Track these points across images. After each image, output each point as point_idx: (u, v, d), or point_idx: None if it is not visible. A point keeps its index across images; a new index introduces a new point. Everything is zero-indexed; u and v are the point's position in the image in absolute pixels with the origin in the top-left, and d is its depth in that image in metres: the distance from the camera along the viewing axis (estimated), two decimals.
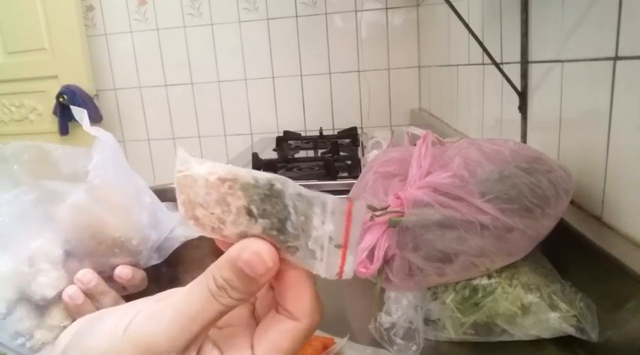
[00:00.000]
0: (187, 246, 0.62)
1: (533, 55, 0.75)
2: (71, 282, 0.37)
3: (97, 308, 0.37)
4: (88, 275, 0.37)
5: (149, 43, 2.09)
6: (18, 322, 0.34)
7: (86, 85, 2.05)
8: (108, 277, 0.39)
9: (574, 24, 0.61)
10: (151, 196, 0.43)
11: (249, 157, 1.34)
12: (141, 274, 0.41)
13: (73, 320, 0.36)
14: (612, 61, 0.52)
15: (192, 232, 0.42)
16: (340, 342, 0.50)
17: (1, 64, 2.12)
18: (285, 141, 1.74)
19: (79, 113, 0.39)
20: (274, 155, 1.53)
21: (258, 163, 1.29)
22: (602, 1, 0.54)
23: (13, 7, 2.04)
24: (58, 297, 0.36)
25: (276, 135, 1.86)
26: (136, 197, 0.41)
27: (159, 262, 0.43)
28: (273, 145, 1.73)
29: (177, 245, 0.43)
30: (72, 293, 0.36)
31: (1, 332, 0.33)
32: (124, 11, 2.07)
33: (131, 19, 2.08)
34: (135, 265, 0.40)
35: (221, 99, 2.12)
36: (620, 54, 0.50)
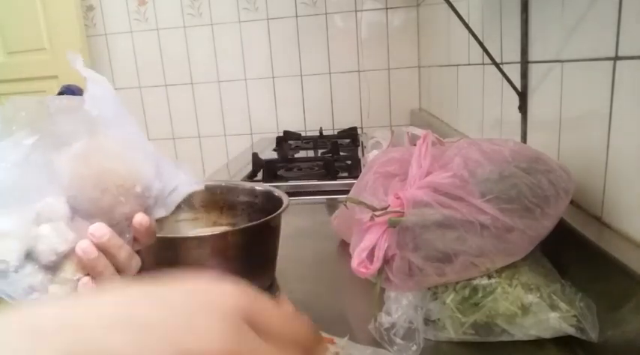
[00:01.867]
0: (188, 245, 0.62)
1: (533, 55, 0.75)
2: (81, 238, 0.36)
3: (113, 263, 0.37)
4: (101, 229, 0.36)
5: (149, 43, 2.09)
6: (30, 276, 0.33)
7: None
8: (119, 233, 0.38)
9: (574, 24, 0.61)
10: (151, 146, 0.41)
11: (249, 157, 1.34)
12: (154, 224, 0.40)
13: (87, 274, 0.36)
14: (612, 61, 0.52)
15: (195, 186, 0.41)
16: (340, 342, 0.50)
17: (1, 64, 2.12)
18: (285, 141, 1.74)
19: (73, 56, 0.38)
20: (274, 155, 1.53)
21: (258, 163, 1.29)
22: (602, 1, 0.54)
23: (13, 7, 2.04)
24: (70, 252, 0.35)
25: (276, 135, 1.86)
26: (136, 142, 0.39)
27: (166, 215, 0.41)
28: (273, 145, 1.73)
29: (181, 198, 0.41)
30: (85, 247, 0.35)
31: (14, 286, 0.33)
32: (124, 11, 2.07)
33: (131, 19, 2.08)
34: None
35: (221, 99, 2.12)
36: (620, 54, 0.50)
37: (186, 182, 0.41)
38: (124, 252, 0.37)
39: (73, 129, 0.37)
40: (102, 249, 0.36)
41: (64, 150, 0.36)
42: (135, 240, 0.39)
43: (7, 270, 0.32)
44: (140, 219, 0.38)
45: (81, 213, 0.36)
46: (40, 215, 0.34)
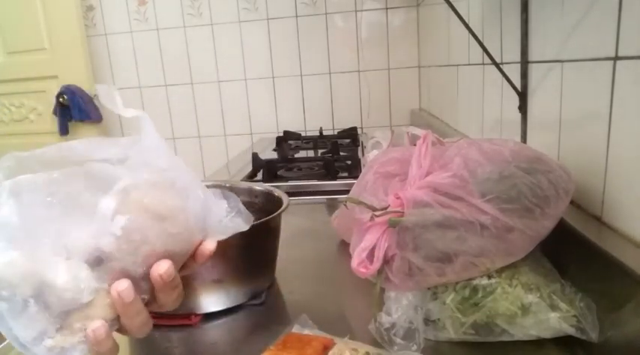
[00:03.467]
0: None
1: (533, 55, 0.75)
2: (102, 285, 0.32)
3: (160, 301, 0.34)
4: (170, 271, 0.32)
5: (149, 43, 2.09)
6: (35, 320, 0.30)
7: (86, 85, 2.05)
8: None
9: (574, 24, 0.61)
10: (203, 189, 0.37)
11: (249, 157, 1.34)
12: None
13: (109, 323, 0.32)
14: (612, 61, 0.52)
15: (240, 225, 0.38)
16: (340, 342, 0.50)
17: (1, 64, 2.13)
18: (285, 141, 1.74)
19: (109, 92, 0.33)
20: (274, 155, 1.53)
21: (258, 163, 1.29)
22: (602, 1, 0.54)
23: (13, 7, 2.05)
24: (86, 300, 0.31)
25: (276, 135, 1.86)
26: (191, 188, 0.36)
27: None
28: (273, 145, 1.73)
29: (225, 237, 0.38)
30: (123, 289, 0.31)
31: (26, 330, 0.30)
32: (124, 11, 2.07)
33: (131, 19, 2.08)
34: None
35: (221, 99, 2.12)
36: (620, 54, 0.50)
37: (230, 219, 0.38)
38: (142, 316, 0.34)
39: (116, 173, 0.33)
40: (120, 310, 0.32)
41: (112, 185, 0.32)
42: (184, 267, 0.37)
43: (22, 309, 0.30)
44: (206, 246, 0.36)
45: (112, 257, 0.32)
46: (67, 251, 0.31)
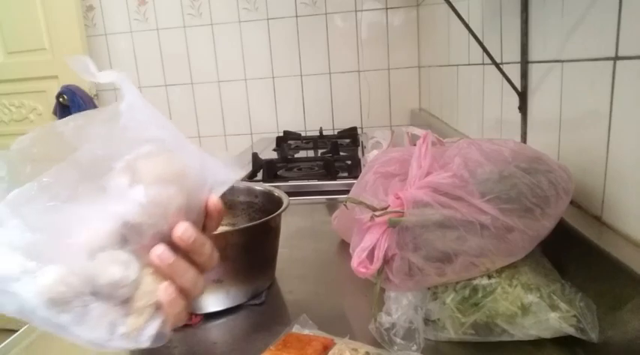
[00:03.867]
0: None
1: (533, 55, 0.75)
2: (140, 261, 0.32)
3: (197, 263, 0.34)
4: (188, 231, 0.33)
5: (149, 43, 2.09)
6: (100, 319, 0.30)
7: (86, 85, 2.05)
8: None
9: (574, 24, 0.61)
10: (193, 144, 0.37)
11: (249, 157, 1.34)
12: None
13: (168, 285, 0.32)
14: (612, 61, 0.52)
15: (234, 175, 0.38)
16: (340, 342, 0.50)
17: (1, 64, 2.13)
18: (285, 141, 1.74)
19: (79, 62, 0.33)
20: (274, 155, 1.53)
21: (258, 163, 1.29)
22: (602, 1, 0.54)
23: (13, 7, 2.05)
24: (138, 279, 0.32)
25: (276, 135, 1.86)
26: (180, 144, 0.36)
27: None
28: (273, 145, 1.73)
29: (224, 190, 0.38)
30: (161, 252, 0.32)
31: (95, 329, 0.30)
32: (124, 11, 2.07)
33: (131, 19, 2.08)
34: None
35: (221, 99, 2.12)
36: (620, 54, 0.50)
37: (226, 176, 0.38)
38: (208, 247, 0.35)
39: (106, 153, 0.33)
40: (182, 252, 0.33)
41: (112, 165, 0.32)
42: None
43: (84, 314, 0.30)
44: (215, 201, 0.36)
45: (137, 229, 0.32)
46: (92, 246, 0.31)
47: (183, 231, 0.33)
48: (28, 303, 0.29)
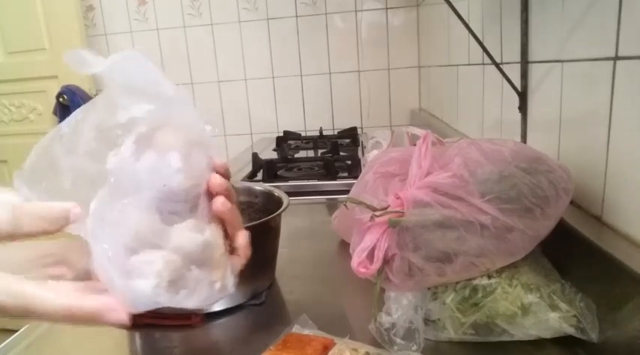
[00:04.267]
0: None
1: (533, 55, 0.75)
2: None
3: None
4: (218, 177, 0.35)
5: (149, 43, 2.09)
6: (197, 284, 0.32)
7: (86, 85, 2.05)
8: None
9: (574, 24, 0.61)
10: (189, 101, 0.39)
11: (249, 157, 1.34)
12: None
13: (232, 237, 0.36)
14: (612, 61, 0.52)
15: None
16: (340, 342, 0.50)
17: (1, 64, 2.13)
18: (285, 141, 1.74)
19: (76, 54, 0.33)
20: (274, 155, 1.53)
21: (258, 163, 1.29)
22: (602, 1, 0.54)
23: (13, 7, 2.05)
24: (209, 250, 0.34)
25: (276, 135, 1.86)
26: (184, 103, 0.37)
27: None
28: (273, 145, 1.73)
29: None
30: (223, 200, 0.35)
31: (198, 294, 0.32)
32: (124, 11, 2.08)
33: (131, 19, 2.08)
34: None
35: (221, 99, 2.12)
36: (620, 54, 0.50)
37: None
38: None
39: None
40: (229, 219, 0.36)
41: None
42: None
43: (194, 284, 0.32)
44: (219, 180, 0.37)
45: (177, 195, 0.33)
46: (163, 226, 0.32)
47: (218, 177, 0.35)
48: (149, 293, 0.30)
